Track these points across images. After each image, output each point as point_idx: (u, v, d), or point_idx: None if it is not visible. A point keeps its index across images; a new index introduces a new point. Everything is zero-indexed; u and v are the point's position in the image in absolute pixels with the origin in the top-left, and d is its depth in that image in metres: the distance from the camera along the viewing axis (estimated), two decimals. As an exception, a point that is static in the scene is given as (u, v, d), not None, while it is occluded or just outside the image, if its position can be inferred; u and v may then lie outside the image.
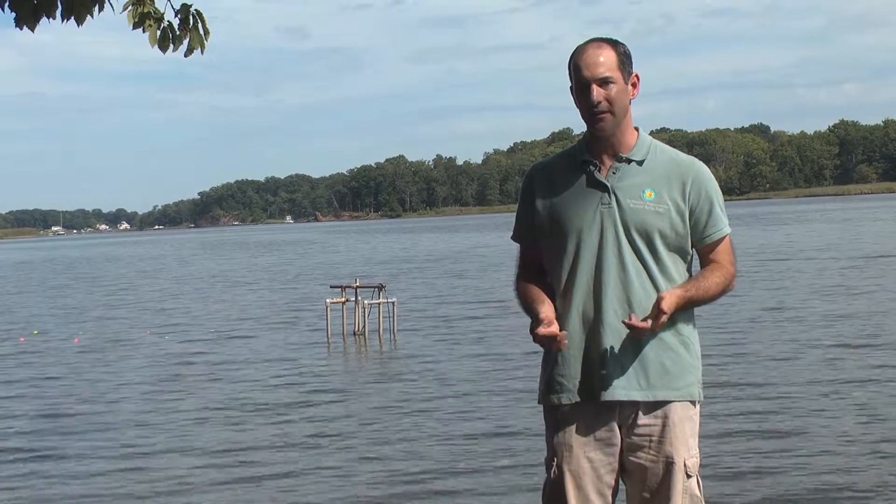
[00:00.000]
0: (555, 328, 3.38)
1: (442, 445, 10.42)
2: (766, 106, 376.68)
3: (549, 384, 3.57)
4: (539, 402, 3.65)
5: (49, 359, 19.25)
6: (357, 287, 19.96)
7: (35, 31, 4.10)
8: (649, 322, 3.35)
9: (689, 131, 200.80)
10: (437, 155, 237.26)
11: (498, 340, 18.05)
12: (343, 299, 20.25)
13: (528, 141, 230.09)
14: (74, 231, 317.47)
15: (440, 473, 9.33)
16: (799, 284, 25.16)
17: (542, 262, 3.64)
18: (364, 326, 19.62)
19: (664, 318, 3.35)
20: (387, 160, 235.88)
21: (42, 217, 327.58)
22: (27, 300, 36.84)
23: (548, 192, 3.59)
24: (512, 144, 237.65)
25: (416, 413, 12.19)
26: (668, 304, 3.34)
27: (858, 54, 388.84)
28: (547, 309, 3.46)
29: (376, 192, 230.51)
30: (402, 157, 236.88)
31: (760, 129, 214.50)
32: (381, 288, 19.77)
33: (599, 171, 3.51)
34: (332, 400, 13.52)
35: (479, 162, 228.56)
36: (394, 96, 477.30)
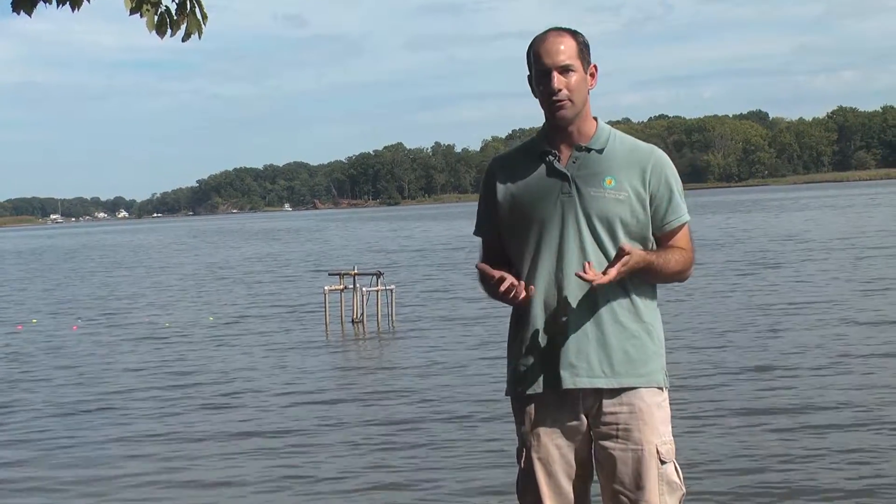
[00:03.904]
0: (513, 280, 3.39)
1: (435, 439, 10.42)
2: (764, 93, 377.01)
3: (514, 375, 3.57)
4: (506, 395, 3.65)
5: (49, 347, 19.25)
6: (355, 274, 19.95)
7: (32, 15, 4.08)
8: (609, 272, 3.31)
9: (687, 118, 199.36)
10: (435, 142, 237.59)
11: (496, 328, 18.03)
12: (341, 286, 20.23)
13: (527, 128, 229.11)
14: (73, 219, 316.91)
15: (434, 468, 9.34)
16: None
17: (505, 256, 3.61)
18: (362, 314, 19.61)
19: (624, 268, 3.33)
20: (385, 147, 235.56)
21: (40, 205, 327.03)
22: (24, 289, 36.82)
23: (508, 185, 3.59)
24: (510, 132, 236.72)
25: (416, 403, 12.20)
26: (631, 253, 3.33)
27: (857, 41, 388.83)
28: (503, 272, 3.42)
29: (375, 179, 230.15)
30: (400, 144, 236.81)
31: (759, 116, 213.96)
32: (379, 275, 19.76)
33: (559, 160, 3.52)
34: (330, 389, 13.53)
35: (478, 149, 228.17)
36: (392, 83, 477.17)
